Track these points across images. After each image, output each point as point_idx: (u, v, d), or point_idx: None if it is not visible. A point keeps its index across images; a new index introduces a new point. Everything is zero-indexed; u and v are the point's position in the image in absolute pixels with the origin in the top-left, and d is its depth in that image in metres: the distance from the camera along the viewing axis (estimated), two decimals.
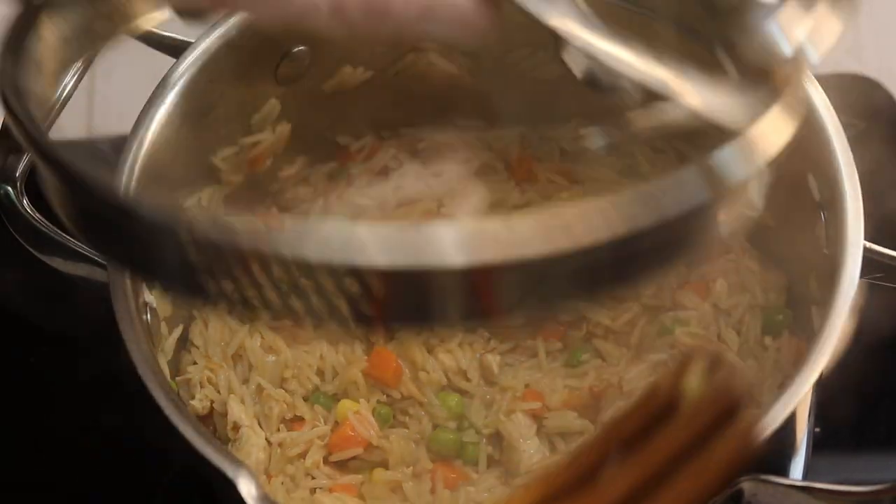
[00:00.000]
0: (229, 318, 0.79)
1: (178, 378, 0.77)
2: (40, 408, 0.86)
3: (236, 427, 0.75)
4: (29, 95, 0.55)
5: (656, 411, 0.54)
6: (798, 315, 0.77)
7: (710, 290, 0.79)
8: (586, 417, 0.76)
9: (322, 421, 0.77)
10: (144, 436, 0.68)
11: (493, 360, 0.79)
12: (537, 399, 0.77)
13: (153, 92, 0.75)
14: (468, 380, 0.78)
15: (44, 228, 0.74)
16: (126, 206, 0.50)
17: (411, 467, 0.75)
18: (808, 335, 0.69)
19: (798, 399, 0.64)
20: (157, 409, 0.66)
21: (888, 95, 0.93)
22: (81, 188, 0.51)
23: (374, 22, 0.55)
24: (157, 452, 0.70)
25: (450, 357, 0.79)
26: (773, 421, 0.63)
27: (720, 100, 0.52)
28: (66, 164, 0.51)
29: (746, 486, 0.62)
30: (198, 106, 0.75)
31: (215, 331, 0.79)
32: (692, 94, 0.53)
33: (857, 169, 0.71)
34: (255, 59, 0.77)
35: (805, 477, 0.75)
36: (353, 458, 0.76)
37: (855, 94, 0.90)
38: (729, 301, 0.78)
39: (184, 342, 0.79)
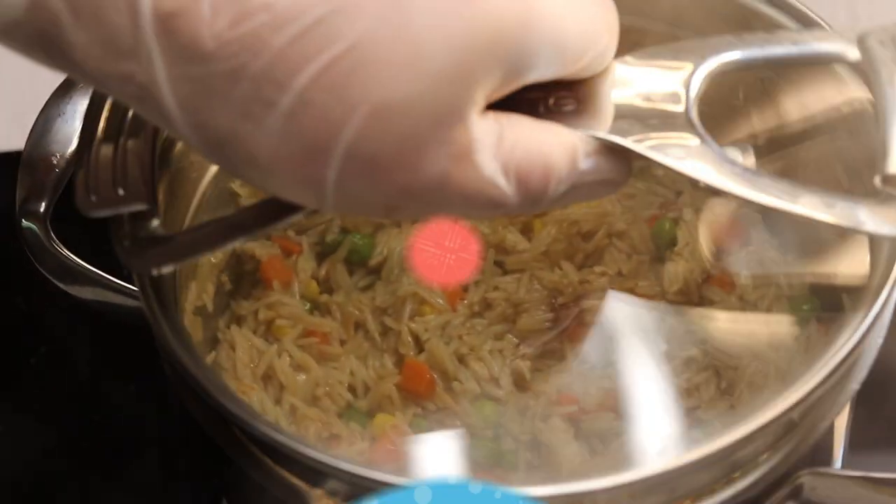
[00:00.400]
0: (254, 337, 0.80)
1: None
2: (87, 438, 0.86)
3: None
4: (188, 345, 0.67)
5: None
6: (826, 303, 0.77)
7: (734, 284, 0.79)
8: (623, 417, 0.77)
9: (359, 438, 0.77)
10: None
11: (524, 365, 0.79)
12: (572, 402, 0.77)
13: None
14: (500, 387, 0.78)
15: (72, 264, 0.74)
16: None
17: None
18: (839, 323, 0.69)
19: (847, 400, 0.65)
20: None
21: None
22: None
23: (527, 210, 0.56)
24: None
25: (481, 365, 0.79)
26: (823, 419, 0.64)
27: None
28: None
29: (806, 479, 0.62)
30: None
31: (243, 352, 0.79)
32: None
33: None
34: None
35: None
36: None
37: None
38: (755, 293, 0.79)
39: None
